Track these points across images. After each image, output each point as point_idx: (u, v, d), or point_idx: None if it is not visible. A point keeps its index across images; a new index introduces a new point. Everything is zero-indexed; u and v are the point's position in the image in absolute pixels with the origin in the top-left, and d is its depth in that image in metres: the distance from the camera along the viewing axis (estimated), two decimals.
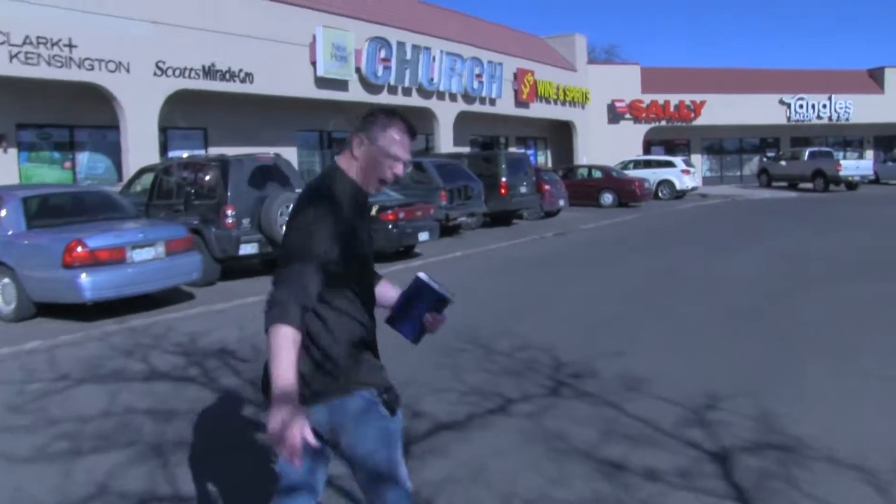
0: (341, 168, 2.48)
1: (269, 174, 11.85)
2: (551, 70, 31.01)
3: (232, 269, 11.88)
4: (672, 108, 35.45)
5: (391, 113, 2.49)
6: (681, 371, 6.09)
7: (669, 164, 29.95)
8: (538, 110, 29.98)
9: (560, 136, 34.03)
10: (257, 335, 8.11)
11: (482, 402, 5.41)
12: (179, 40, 15.98)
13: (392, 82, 21.78)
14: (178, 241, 9.36)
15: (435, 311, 2.59)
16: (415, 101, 22.75)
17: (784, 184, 34.64)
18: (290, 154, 20.93)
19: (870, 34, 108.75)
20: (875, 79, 39.99)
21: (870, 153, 41.08)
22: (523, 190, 19.56)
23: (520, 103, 28.55)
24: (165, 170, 12.14)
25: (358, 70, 20.59)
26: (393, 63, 21.63)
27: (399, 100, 22.15)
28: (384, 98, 21.59)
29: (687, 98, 35.55)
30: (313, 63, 19.39)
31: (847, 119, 38.38)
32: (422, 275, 2.59)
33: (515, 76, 28.04)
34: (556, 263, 13.02)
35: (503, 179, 18.82)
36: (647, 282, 10.71)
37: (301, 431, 2.11)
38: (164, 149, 17.03)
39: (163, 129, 16.97)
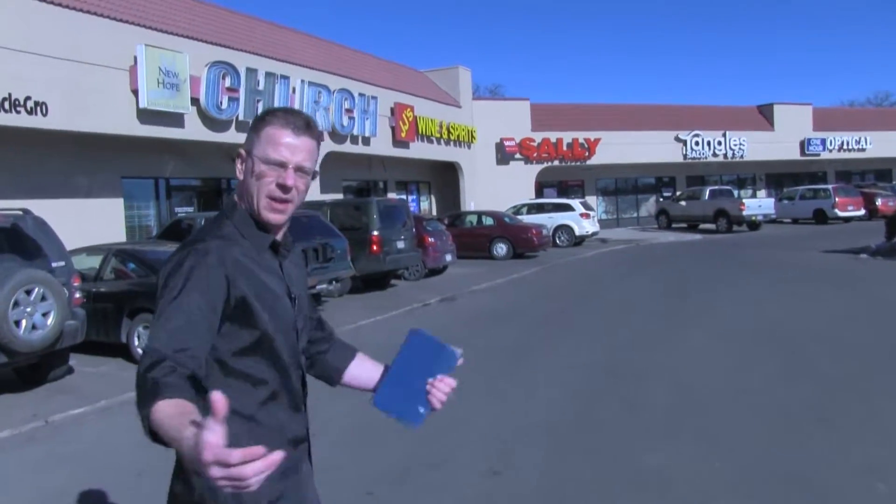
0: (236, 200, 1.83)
1: (4, 242, 7.71)
2: (433, 105, 27.67)
3: None
4: (565, 147, 32.70)
5: (270, 110, 1.83)
6: None
7: (567, 208, 26.95)
8: (419, 150, 26.50)
9: (445, 179, 30.67)
10: None
11: None
12: None
13: (241, 117, 17.60)
14: None
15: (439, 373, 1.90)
16: None
17: (684, 225, 32.58)
18: (116, 206, 16.60)
19: (757, 70, 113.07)
20: (765, 115, 38.99)
21: (762, 192, 39.92)
22: (401, 245, 15.81)
23: (398, 142, 25.00)
24: None
25: (195, 101, 16.45)
26: (241, 93, 17.59)
27: None
28: (231, 136, 17.52)
29: (581, 136, 32.91)
30: (135, 91, 15.13)
31: (742, 156, 36.99)
32: (418, 330, 1.94)
33: (392, 111, 24.50)
34: None
35: (375, 233, 15.01)
36: (581, 397, 7.09)
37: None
38: None
39: None
